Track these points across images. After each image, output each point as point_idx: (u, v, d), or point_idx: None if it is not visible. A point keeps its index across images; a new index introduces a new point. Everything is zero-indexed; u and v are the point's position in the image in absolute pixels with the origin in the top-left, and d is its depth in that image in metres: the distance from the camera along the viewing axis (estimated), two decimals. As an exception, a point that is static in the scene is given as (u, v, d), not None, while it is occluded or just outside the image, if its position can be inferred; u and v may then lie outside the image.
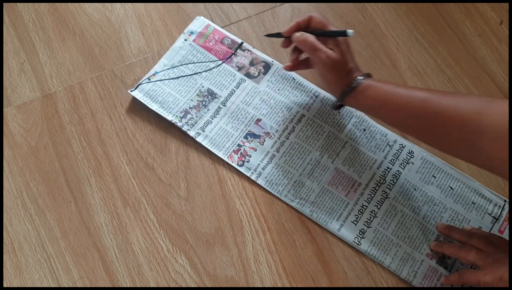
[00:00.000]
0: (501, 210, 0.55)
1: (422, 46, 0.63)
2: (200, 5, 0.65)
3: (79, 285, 0.51)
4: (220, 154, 0.56)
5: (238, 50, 0.62)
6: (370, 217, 0.54)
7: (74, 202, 0.54)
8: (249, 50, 0.62)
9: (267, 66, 0.62)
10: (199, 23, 0.63)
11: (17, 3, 0.64)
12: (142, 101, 0.57)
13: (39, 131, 0.57)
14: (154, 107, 0.57)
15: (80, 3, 0.64)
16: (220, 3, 0.65)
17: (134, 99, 0.58)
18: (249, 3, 0.65)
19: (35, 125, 0.58)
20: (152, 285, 0.51)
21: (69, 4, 0.64)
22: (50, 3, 0.64)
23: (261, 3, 0.65)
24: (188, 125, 0.57)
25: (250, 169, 0.56)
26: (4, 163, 0.56)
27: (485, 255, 0.48)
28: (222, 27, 0.64)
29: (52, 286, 0.51)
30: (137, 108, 0.59)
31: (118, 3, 0.65)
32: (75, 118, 0.58)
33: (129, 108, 0.59)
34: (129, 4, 0.65)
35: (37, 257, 0.52)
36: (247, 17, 0.65)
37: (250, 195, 0.55)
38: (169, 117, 0.57)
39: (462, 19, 0.64)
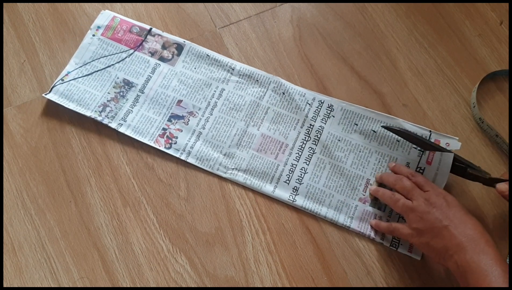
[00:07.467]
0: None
1: (422, 46, 0.63)
2: (200, 5, 0.65)
3: (79, 285, 0.51)
4: (145, 141, 0.57)
5: (148, 36, 0.62)
6: (301, 174, 0.56)
7: (74, 202, 0.54)
8: (159, 35, 0.62)
9: (179, 47, 0.62)
10: (104, 17, 0.63)
11: (17, 3, 0.64)
12: (58, 102, 0.57)
13: (39, 131, 0.57)
14: (71, 106, 0.57)
15: (80, 3, 0.64)
16: (220, 3, 0.65)
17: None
18: (249, 3, 0.65)
19: (35, 125, 0.58)
20: (152, 285, 0.51)
21: (69, 4, 0.64)
22: (50, 3, 0.64)
23: (261, 3, 0.65)
24: (108, 118, 0.57)
25: (178, 150, 0.56)
26: (4, 163, 0.56)
27: (410, 208, 0.48)
28: (221, 27, 0.64)
29: (52, 286, 0.51)
30: (137, 108, 0.59)
31: (118, 3, 0.65)
32: (75, 118, 0.58)
33: (129, 108, 0.59)
34: (129, 4, 0.65)
35: (37, 257, 0.52)
36: (247, 17, 0.65)
37: (250, 195, 0.55)
38: (88, 113, 0.57)
39: (462, 19, 0.64)
